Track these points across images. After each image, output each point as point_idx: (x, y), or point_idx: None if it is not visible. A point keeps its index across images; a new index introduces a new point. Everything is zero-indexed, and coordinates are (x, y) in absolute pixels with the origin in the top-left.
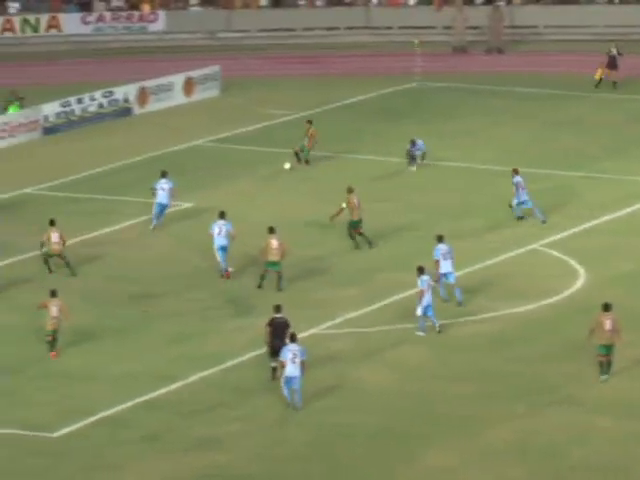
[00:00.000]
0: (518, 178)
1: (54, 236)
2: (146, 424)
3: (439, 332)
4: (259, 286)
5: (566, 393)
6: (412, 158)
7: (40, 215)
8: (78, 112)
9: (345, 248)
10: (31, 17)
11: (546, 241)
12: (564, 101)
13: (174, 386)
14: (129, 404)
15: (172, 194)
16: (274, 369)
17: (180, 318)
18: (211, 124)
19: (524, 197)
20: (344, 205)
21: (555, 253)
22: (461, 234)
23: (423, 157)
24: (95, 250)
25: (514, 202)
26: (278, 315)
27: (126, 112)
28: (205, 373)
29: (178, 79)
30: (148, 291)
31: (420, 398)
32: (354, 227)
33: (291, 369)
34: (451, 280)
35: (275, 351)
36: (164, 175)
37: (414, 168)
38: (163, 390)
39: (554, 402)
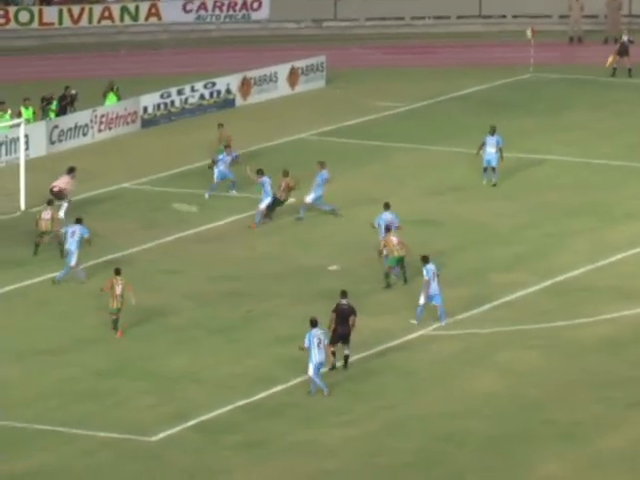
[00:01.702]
0: (325, 174)
1: (45, 213)
2: (248, 429)
3: (443, 325)
4: (387, 285)
5: None
6: (484, 169)
7: (138, 210)
8: (178, 104)
9: (455, 246)
10: (130, 5)
11: None
12: None
13: (277, 389)
14: (230, 407)
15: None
16: (333, 354)
17: (284, 319)
18: (316, 116)
19: (320, 192)
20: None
21: None
22: (575, 232)
23: (500, 154)
24: (197, 247)
25: (310, 198)
26: (343, 301)
27: (228, 104)
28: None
29: (282, 70)
30: (252, 290)
31: (532, 403)
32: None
33: (320, 355)
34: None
35: (338, 338)
36: (229, 151)
37: (484, 182)
38: (266, 393)
39: None
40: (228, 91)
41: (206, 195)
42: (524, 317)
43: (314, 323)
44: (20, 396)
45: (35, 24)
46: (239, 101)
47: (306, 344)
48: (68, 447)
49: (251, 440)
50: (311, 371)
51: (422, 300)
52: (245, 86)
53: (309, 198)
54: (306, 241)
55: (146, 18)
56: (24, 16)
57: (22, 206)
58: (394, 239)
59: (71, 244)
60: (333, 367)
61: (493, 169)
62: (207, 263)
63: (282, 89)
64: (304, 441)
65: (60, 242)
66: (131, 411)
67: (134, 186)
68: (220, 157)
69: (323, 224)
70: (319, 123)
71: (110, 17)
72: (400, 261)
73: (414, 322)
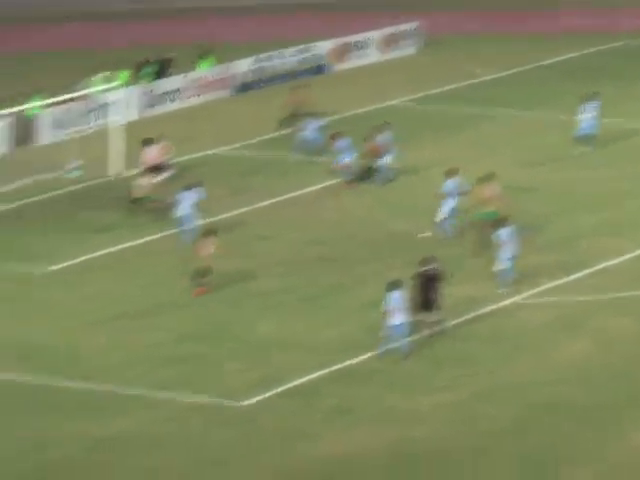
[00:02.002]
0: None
1: (142, 179)
2: (338, 394)
3: (505, 292)
4: (478, 246)
5: None
6: (580, 136)
7: (229, 176)
8: (271, 69)
9: (549, 213)
10: None
11: None
12: None
13: (368, 355)
14: (321, 373)
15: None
16: (421, 323)
17: (375, 284)
18: (408, 83)
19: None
20: None
21: None
22: None
23: (597, 121)
24: (286, 212)
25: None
26: (427, 267)
27: (320, 69)
28: (406, 342)
29: (375, 35)
30: (342, 256)
31: (626, 372)
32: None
33: (401, 316)
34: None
35: (421, 305)
36: (315, 116)
37: (580, 149)
38: (355, 359)
39: None
40: (320, 57)
41: (291, 158)
42: (619, 284)
43: (393, 285)
44: (108, 361)
45: None
46: (331, 67)
47: (385, 306)
48: (157, 412)
49: (340, 406)
50: (386, 332)
51: (498, 266)
52: (337, 52)
53: (385, 160)
54: (397, 206)
55: None
56: None
57: (114, 171)
58: (486, 192)
59: (183, 209)
60: (411, 336)
61: (590, 136)
62: (296, 228)
63: (374, 55)
64: (394, 408)
65: (159, 208)
66: (220, 376)
67: (225, 152)
68: (308, 123)
69: (413, 188)
70: (411, 89)
71: None
72: (490, 216)
73: (503, 290)
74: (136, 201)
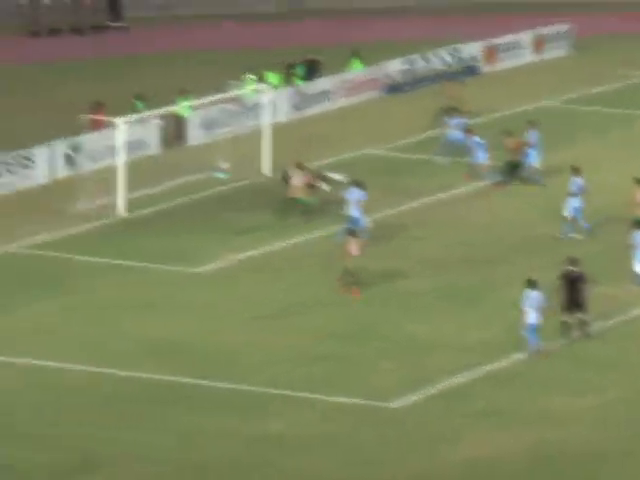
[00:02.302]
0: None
1: (295, 179)
2: (485, 396)
3: None
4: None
5: None
6: None
7: (379, 177)
8: (422, 70)
9: None
10: None
11: None
12: None
13: (514, 356)
14: (469, 375)
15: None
16: (565, 324)
17: (522, 286)
18: (560, 84)
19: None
20: None
21: None
22: None
23: None
24: (438, 213)
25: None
26: (571, 268)
27: (472, 70)
28: (550, 343)
29: (527, 37)
30: (490, 257)
31: None
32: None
33: (536, 316)
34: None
35: (567, 306)
36: (454, 110)
37: None
38: (503, 360)
39: None
40: (472, 58)
41: (437, 159)
42: None
43: (531, 285)
44: (253, 361)
45: None
46: (483, 68)
47: (523, 306)
48: (305, 412)
49: (487, 408)
50: (525, 330)
51: (636, 268)
52: (489, 53)
53: (531, 160)
54: (546, 207)
55: None
56: None
57: (263, 172)
58: (637, 196)
59: (353, 210)
60: (555, 337)
61: None
62: (446, 229)
63: (527, 56)
64: (540, 410)
65: (312, 210)
66: (367, 376)
67: (375, 152)
68: (453, 121)
69: (561, 189)
70: (564, 91)
71: None
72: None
73: None
74: (290, 201)
